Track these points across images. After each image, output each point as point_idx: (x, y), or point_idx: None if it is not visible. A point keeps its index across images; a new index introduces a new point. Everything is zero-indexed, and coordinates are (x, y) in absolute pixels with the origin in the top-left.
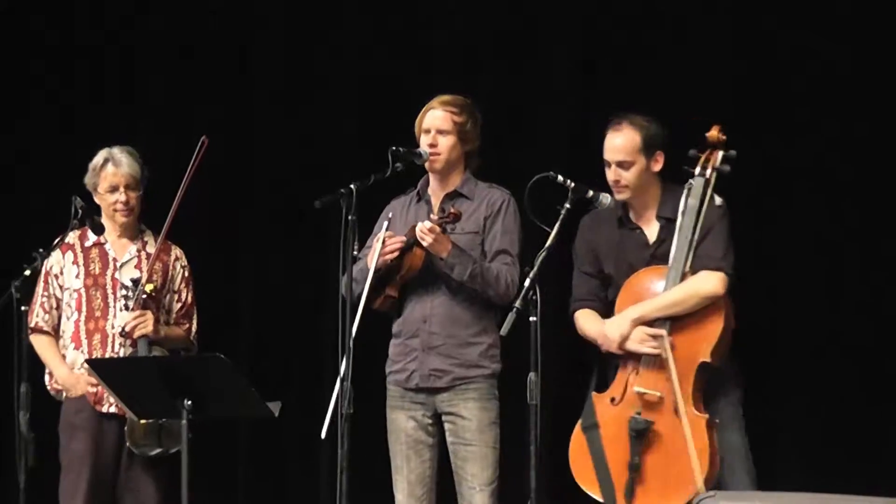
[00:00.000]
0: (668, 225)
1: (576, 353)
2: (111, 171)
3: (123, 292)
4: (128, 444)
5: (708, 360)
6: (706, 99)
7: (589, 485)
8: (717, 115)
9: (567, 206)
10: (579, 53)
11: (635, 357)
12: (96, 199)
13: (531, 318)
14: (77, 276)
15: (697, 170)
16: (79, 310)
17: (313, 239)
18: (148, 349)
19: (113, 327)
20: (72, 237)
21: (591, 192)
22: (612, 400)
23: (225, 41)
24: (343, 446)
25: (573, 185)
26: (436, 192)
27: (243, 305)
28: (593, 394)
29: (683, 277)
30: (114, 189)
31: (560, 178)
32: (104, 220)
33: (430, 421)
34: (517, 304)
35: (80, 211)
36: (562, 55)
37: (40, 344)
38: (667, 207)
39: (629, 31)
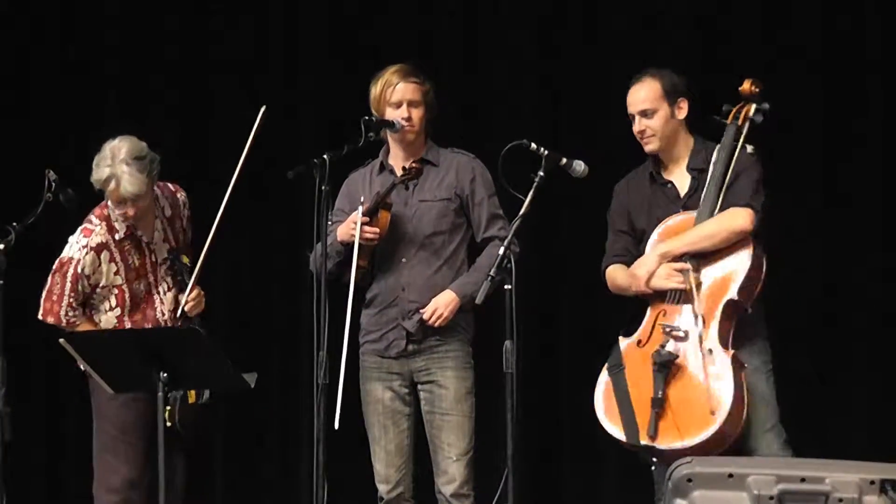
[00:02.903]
0: (699, 176)
1: (548, 322)
2: (113, 189)
3: (165, 267)
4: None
5: (735, 298)
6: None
7: (613, 424)
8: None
9: (541, 173)
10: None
11: (662, 298)
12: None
13: (506, 287)
14: (117, 273)
15: (729, 120)
16: (121, 305)
17: (286, 209)
18: (202, 326)
19: (162, 313)
20: (101, 234)
21: (564, 160)
22: (639, 342)
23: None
24: (320, 417)
25: (546, 153)
26: (400, 161)
27: (217, 277)
28: (620, 337)
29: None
30: (121, 202)
31: (533, 146)
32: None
33: (406, 390)
34: (492, 272)
35: (53, 184)
36: (527, 21)
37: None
38: (698, 159)
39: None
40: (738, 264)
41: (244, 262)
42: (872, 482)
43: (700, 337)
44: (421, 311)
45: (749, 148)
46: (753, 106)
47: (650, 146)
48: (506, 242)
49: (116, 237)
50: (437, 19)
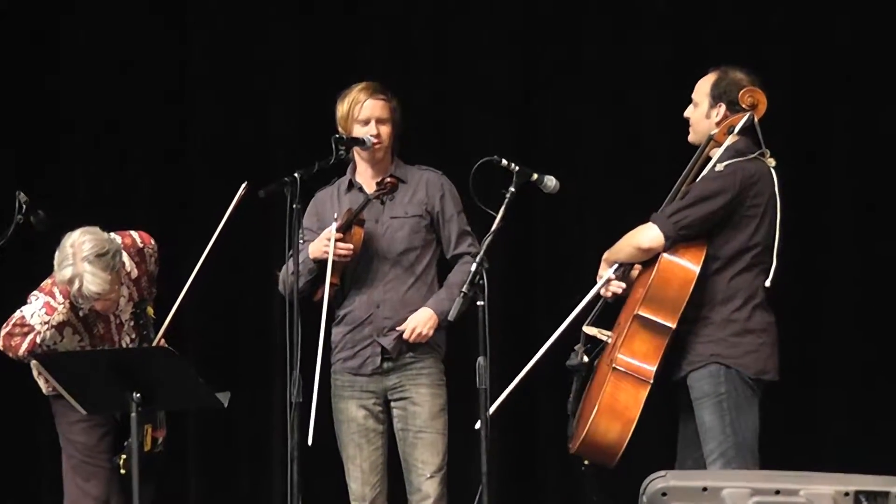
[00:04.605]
0: None
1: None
2: (77, 289)
3: (132, 322)
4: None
5: (640, 313)
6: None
7: None
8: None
9: (512, 189)
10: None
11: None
12: None
13: (479, 303)
14: (81, 341)
15: (715, 130)
16: None
17: (256, 226)
18: None
19: None
20: (63, 314)
21: (535, 176)
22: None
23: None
24: (294, 435)
25: (517, 168)
26: (368, 178)
27: (187, 295)
28: None
29: None
30: (87, 300)
31: (504, 161)
32: None
33: (380, 408)
34: (465, 288)
35: (23, 206)
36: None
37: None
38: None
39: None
40: (644, 279)
41: (213, 281)
42: (847, 494)
43: (613, 348)
44: (398, 328)
45: (719, 166)
46: (745, 116)
47: (690, 136)
48: (478, 259)
49: (81, 314)
50: (408, 35)
